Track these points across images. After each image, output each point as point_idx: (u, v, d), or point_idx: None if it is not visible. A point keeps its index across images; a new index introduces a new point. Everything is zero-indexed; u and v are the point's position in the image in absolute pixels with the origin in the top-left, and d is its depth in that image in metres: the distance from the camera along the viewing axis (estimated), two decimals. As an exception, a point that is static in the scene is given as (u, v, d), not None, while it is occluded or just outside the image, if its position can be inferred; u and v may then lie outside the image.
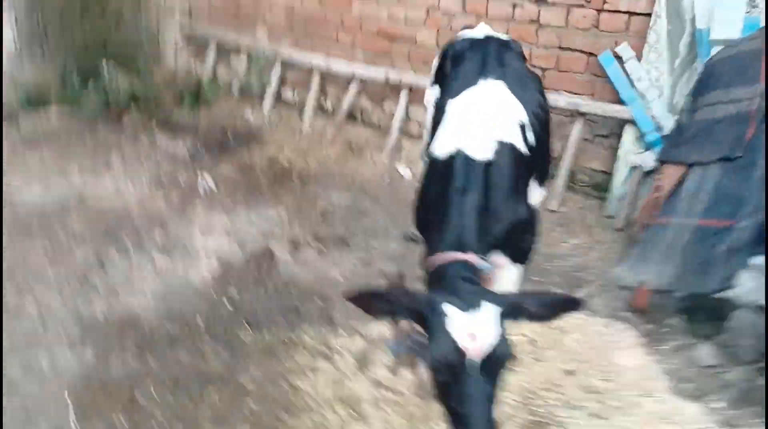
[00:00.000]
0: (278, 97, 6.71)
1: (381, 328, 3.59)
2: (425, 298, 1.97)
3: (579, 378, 3.19)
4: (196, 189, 5.14)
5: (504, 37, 3.20)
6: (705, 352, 3.37)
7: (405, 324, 3.13)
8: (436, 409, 2.85)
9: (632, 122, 4.55)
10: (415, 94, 5.69)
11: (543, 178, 2.98)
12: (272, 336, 3.56)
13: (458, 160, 2.37)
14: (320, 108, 6.47)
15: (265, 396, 3.09)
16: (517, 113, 2.63)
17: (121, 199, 4.90)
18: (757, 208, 3.66)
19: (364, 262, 4.32)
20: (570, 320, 3.67)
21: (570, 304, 1.97)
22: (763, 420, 2.92)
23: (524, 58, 3.19)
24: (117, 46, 6.71)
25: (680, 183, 4.02)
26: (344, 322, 3.69)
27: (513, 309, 1.92)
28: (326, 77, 6.31)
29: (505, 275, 2.55)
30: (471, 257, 2.13)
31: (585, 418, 2.92)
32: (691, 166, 3.97)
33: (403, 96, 5.69)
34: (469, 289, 1.99)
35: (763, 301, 3.62)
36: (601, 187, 4.94)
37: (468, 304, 1.88)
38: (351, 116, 6.23)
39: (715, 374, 3.25)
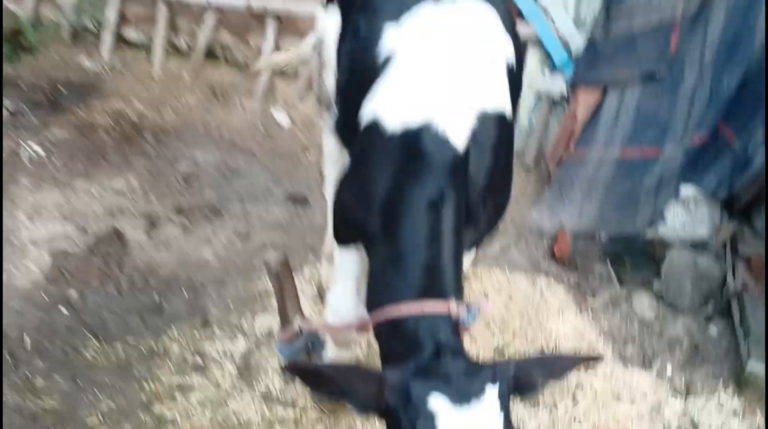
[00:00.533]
0: (119, 38, 5.59)
1: (266, 322, 2.92)
2: (398, 385, 1.31)
3: (511, 355, 2.69)
4: (19, 161, 4.10)
5: None
6: (642, 304, 2.98)
7: (296, 320, 2.46)
8: (343, 422, 2.27)
9: (535, 41, 3.98)
10: (285, 24, 4.84)
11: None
12: (126, 348, 2.80)
13: (427, 143, 1.60)
14: (172, 47, 5.44)
15: (121, 437, 2.36)
16: (506, 53, 1.85)
17: None
18: (686, 129, 3.26)
19: (241, 234, 3.59)
20: (492, 281, 3.17)
21: (586, 362, 1.52)
22: (719, 381, 2.56)
23: None
24: None
25: (597, 109, 3.54)
26: (221, 317, 2.99)
27: (520, 384, 1.37)
28: (176, 9, 5.28)
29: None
30: (452, 308, 1.46)
31: (525, 409, 2.42)
32: (607, 89, 3.49)
33: (271, 27, 4.82)
34: (460, 366, 1.35)
35: (697, 235, 3.27)
36: (505, 119, 4.40)
37: (464, 394, 1.28)
38: (211, 55, 5.28)
39: (658, 330, 2.86)
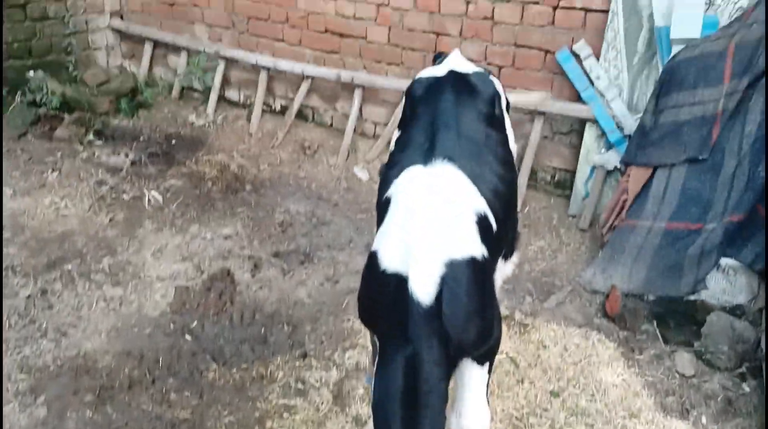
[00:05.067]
0: (222, 98, 6.37)
1: (354, 356, 3.45)
2: None
3: (564, 399, 3.13)
4: (142, 205, 4.81)
5: (471, 70, 2.74)
6: (684, 361, 3.37)
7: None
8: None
9: (593, 120, 4.49)
10: (369, 93, 5.49)
11: (512, 249, 2.71)
12: (241, 372, 3.36)
13: (405, 295, 1.89)
14: (268, 107, 6.18)
15: (241, 444, 2.90)
16: (473, 207, 2.17)
17: (61, 223, 4.53)
18: (726, 209, 3.68)
19: (330, 278, 4.14)
20: (549, 333, 3.63)
21: None
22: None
23: (493, 98, 2.65)
24: (43, 51, 6.20)
25: (646, 185, 4.00)
26: (317, 350, 3.52)
27: None
28: (274, 76, 6.02)
29: (474, 377, 2.19)
30: None
31: (575, 444, 2.87)
32: (656, 168, 3.95)
33: (357, 96, 5.46)
34: None
35: (735, 302, 3.65)
36: (563, 186, 4.89)
37: None
38: (301, 116, 5.98)
39: (697, 384, 3.25)
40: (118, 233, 4.49)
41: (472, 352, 2.07)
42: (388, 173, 2.39)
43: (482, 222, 2.15)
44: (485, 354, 2.17)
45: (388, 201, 2.25)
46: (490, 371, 2.28)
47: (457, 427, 2.22)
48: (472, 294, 1.98)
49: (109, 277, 4.08)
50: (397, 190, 2.25)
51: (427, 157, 2.25)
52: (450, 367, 1.97)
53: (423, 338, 1.85)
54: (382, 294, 1.99)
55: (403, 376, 1.82)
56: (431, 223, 2.02)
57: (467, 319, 1.95)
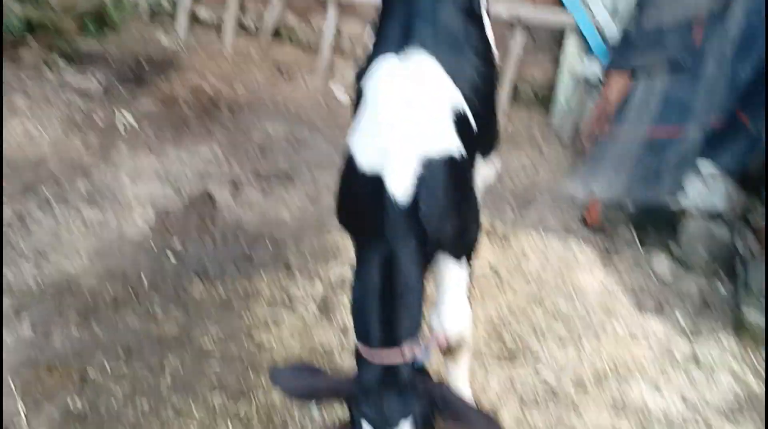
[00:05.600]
0: (193, 17, 6.13)
1: (338, 270, 3.47)
2: (350, 403, 1.80)
3: (545, 304, 3.19)
4: (115, 129, 4.69)
5: None
6: (661, 264, 3.44)
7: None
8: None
9: (574, 30, 4.39)
10: (347, 8, 5.31)
11: (491, 147, 2.64)
12: (226, 288, 3.37)
13: (382, 194, 1.84)
14: (241, 27, 5.96)
15: (229, 356, 2.94)
16: (450, 100, 2.09)
17: (34, 147, 4.41)
18: (706, 113, 3.66)
19: (311, 198, 4.11)
20: (530, 243, 3.67)
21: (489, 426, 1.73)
22: (722, 329, 3.03)
23: None
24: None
25: (628, 93, 3.96)
26: (301, 265, 3.53)
27: (439, 406, 1.77)
28: (244, -8, 5.78)
29: (453, 277, 2.20)
30: (405, 354, 1.80)
31: (556, 345, 2.94)
32: (638, 75, 3.90)
33: (332, 10, 5.29)
34: (393, 405, 1.75)
35: (713, 208, 3.70)
36: (545, 99, 4.84)
37: (387, 423, 1.73)
38: (276, 35, 5.79)
39: (673, 286, 3.32)
40: (93, 157, 4.39)
41: (450, 248, 2.07)
42: (362, 71, 2.30)
43: (459, 117, 2.09)
44: (463, 250, 2.17)
45: (360, 93, 2.17)
46: (469, 271, 2.29)
47: (438, 327, 2.26)
48: (449, 190, 1.94)
49: (87, 200, 4.01)
50: (370, 82, 2.15)
51: (400, 45, 2.14)
52: (427, 265, 1.97)
53: (400, 237, 1.83)
54: (359, 194, 1.95)
55: (380, 276, 1.81)
56: (406, 118, 1.94)
57: (444, 216, 1.92)
